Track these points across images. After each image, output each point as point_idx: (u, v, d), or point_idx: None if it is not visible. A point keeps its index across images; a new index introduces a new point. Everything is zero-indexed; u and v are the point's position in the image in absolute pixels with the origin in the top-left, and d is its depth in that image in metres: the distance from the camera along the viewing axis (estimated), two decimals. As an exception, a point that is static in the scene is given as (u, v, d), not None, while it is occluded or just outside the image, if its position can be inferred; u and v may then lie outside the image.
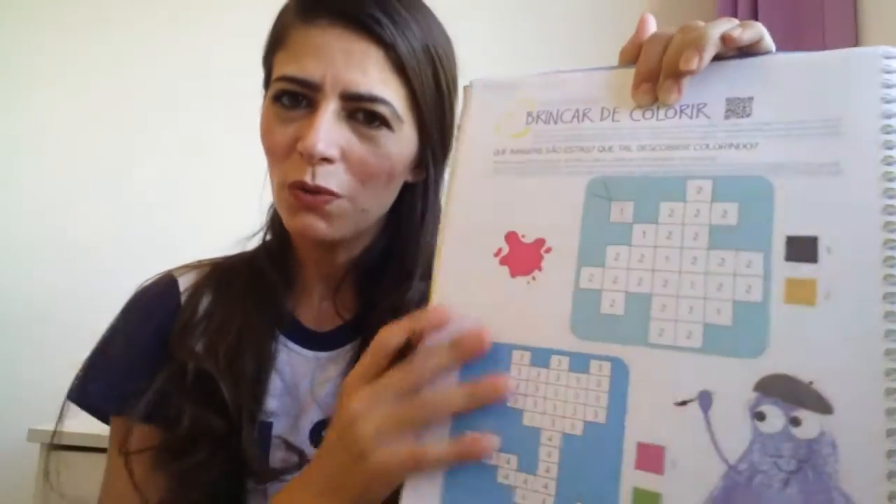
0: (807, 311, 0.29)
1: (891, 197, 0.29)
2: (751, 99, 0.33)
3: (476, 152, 0.40)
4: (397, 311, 0.51)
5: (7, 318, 1.49)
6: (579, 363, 0.33)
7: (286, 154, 0.54)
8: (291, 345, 0.59)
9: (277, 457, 0.56)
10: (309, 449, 0.57)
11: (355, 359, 0.55)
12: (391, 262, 0.60)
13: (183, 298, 0.60)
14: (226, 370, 0.54)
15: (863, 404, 0.27)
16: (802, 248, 0.30)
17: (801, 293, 0.29)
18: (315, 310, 0.62)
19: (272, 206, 0.62)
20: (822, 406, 0.28)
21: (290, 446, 0.55)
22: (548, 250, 0.36)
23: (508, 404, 0.34)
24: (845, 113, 0.31)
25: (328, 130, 0.52)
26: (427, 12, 0.59)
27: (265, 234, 0.64)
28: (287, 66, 0.54)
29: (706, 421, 0.30)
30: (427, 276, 0.43)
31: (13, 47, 1.56)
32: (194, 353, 0.56)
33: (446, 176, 0.49)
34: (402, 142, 0.56)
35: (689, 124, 0.34)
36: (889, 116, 0.30)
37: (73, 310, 1.41)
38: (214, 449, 0.53)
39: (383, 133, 0.54)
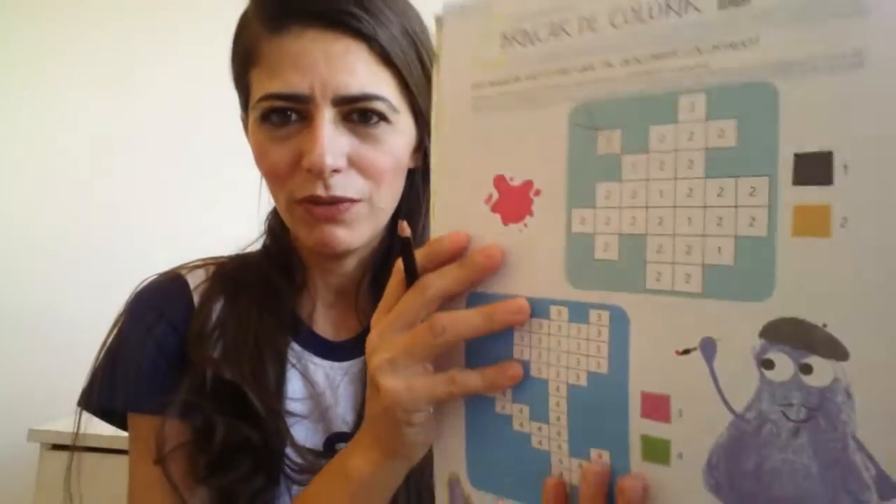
0: (820, 244, 0.25)
1: (926, 90, 0.23)
2: None
3: (454, 88, 0.36)
4: None
5: (7, 318, 1.48)
6: (578, 313, 0.32)
7: (290, 172, 0.52)
8: (307, 354, 0.58)
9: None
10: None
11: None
12: (394, 257, 0.58)
13: (195, 297, 0.59)
14: (250, 378, 0.53)
15: (884, 347, 0.24)
16: (814, 168, 0.25)
17: (812, 223, 0.25)
18: (326, 318, 0.61)
19: (270, 212, 0.62)
20: (836, 351, 0.25)
21: (311, 453, 0.54)
22: (537, 193, 0.33)
23: (515, 356, 0.34)
24: None
25: (331, 141, 0.50)
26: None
27: (265, 241, 0.62)
28: (268, 84, 0.51)
29: (710, 370, 0.28)
30: None
31: (11, 45, 1.56)
32: (216, 360, 0.55)
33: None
34: (401, 132, 0.54)
35: (676, 24, 0.29)
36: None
37: (74, 310, 1.42)
38: (255, 461, 0.52)
39: (382, 129, 0.52)
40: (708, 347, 0.28)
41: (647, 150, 0.29)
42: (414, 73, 0.55)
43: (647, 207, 0.29)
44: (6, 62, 1.57)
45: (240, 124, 0.60)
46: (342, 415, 0.57)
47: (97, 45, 1.58)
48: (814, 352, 0.25)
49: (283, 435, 0.53)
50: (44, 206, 1.54)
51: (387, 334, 0.36)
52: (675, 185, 0.29)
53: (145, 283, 0.61)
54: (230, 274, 0.60)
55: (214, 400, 0.53)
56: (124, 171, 1.54)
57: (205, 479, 0.53)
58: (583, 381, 0.32)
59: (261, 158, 0.54)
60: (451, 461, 0.37)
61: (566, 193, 0.32)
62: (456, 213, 0.36)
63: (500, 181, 0.35)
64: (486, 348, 0.35)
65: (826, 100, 0.25)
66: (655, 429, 0.29)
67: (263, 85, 0.52)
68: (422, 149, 0.58)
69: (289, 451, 0.54)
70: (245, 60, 0.55)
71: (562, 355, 0.32)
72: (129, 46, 1.57)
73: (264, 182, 0.58)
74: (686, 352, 0.28)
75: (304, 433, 0.56)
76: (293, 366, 0.57)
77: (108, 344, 0.59)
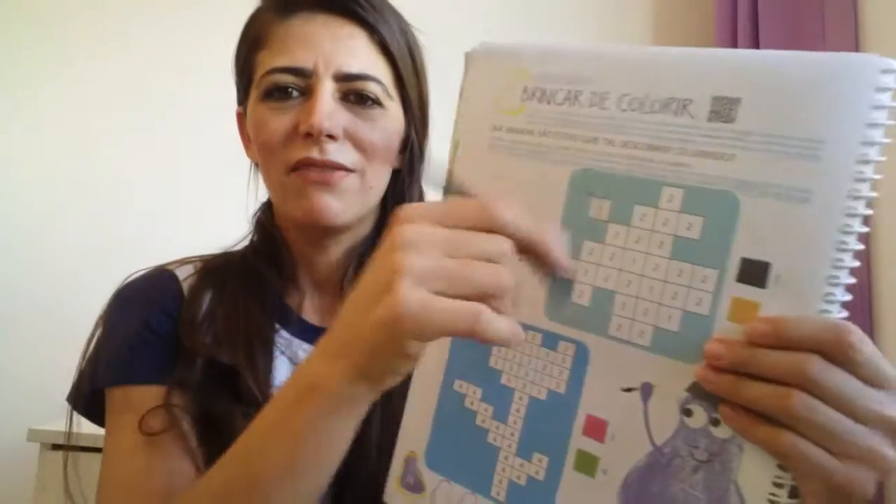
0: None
1: (846, 233, 0.30)
2: (738, 101, 0.32)
3: (476, 125, 0.41)
4: None
5: (7, 318, 1.48)
6: (550, 341, 0.38)
7: (286, 141, 0.54)
8: (296, 341, 0.59)
9: None
10: None
11: None
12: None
13: (185, 286, 0.59)
14: (245, 362, 0.54)
15: None
16: (754, 272, 0.32)
17: (744, 313, 0.32)
18: (315, 308, 0.62)
19: (256, 212, 0.64)
20: (739, 414, 0.32)
21: None
22: (532, 234, 0.39)
23: (490, 364, 0.41)
24: (829, 135, 0.30)
25: (330, 109, 0.53)
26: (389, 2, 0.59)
27: (252, 238, 0.64)
28: (275, 60, 0.54)
29: (644, 408, 0.35)
30: None
31: (6, 49, 1.53)
32: (209, 346, 0.55)
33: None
34: (393, 118, 0.58)
35: (672, 123, 0.34)
36: (868, 144, 0.29)
37: (74, 310, 1.31)
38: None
39: (377, 111, 0.56)
40: (646, 390, 0.35)
41: (629, 224, 0.35)
42: (407, 66, 0.59)
43: (620, 270, 0.36)
44: (32, 60, 1.55)
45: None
46: None
47: (115, 45, 1.56)
48: (723, 411, 0.33)
49: None
50: (44, 207, 1.53)
51: (426, 243, 0.30)
52: (646, 259, 0.35)
53: (130, 277, 0.61)
54: (216, 268, 0.61)
55: (212, 385, 0.54)
56: (128, 175, 1.54)
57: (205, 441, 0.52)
58: (542, 396, 0.39)
59: (258, 132, 0.56)
60: (413, 440, 0.43)
61: None
62: None
63: None
64: (466, 355, 0.41)
65: (775, 221, 0.31)
66: (590, 446, 0.36)
67: (270, 62, 0.55)
68: (408, 147, 0.60)
69: None
70: (253, 45, 0.58)
71: (530, 371, 0.39)
72: (145, 45, 1.56)
73: (256, 173, 0.60)
74: (629, 390, 0.35)
75: None
76: (282, 353, 0.58)
77: (94, 336, 0.58)
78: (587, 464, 0.36)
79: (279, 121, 0.55)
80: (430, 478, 0.43)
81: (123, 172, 1.54)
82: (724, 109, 0.33)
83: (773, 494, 0.31)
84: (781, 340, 0.29)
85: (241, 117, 0.64)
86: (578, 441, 0.37)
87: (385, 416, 0.50)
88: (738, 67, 0.32)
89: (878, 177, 0.30)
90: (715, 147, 0.33)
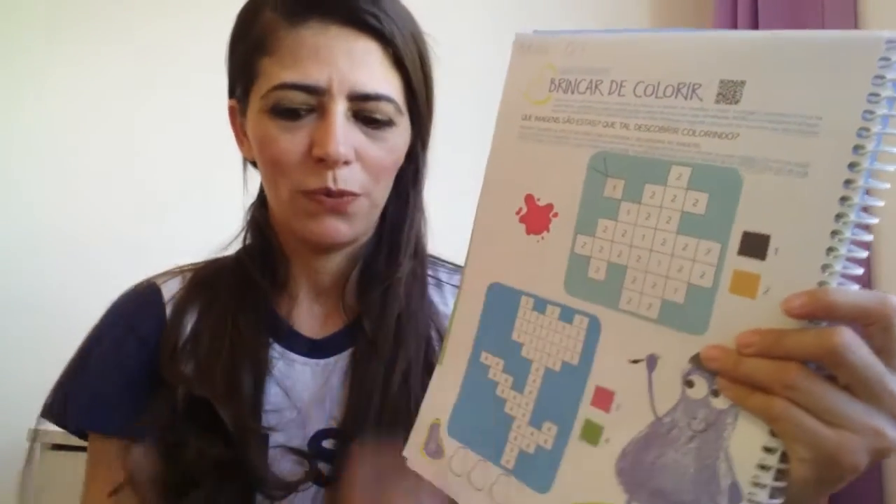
0: (746, 302, 0.32)
1: (846, 204, 0.30)
2: (743, 83, 0.34)
3: (508, 115, 0.45)
4: (388, 289, 0.55)
5: (7, 318, 1.47)
6: (567, 315, 0.40)
7: (298, 162, 0.52)
8: (291, 355, 0.57)
9: (280, 469, 0.54)
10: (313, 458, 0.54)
11: (354, 364, 0.56)
12: (381, 251, 0.59)
13: (168, 309, 0.57)
14: (223, 393, 0.52)
15: None
16: (755, 245, 0.32)
17: (744, 285, 0.33)
18: (309, 315, 0.60)
19: (250, 208, 0.62)
20: (738, 384, 0.32)
21: (296, 453, 0.54)
22: (555, 215, 0.42)
23: (513, 337, 0.43)
24: (827, 111, 0.31)
25: (344, 132, 0.51)
26: (403, 6, 0.56)
27: (245, 238, 0.61)
28: (284, 73, 0.51)
29: (649, 379, 0.36)
30: (415, 255, 0.47)
31: (10, 44, 1.54)
32: (188, 378, 0.53)
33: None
34: (402, 133, 0.56)
35: (682, 106, 0.36)
36: (868, 117, 0.29)
37: (75, 310, 1.30)
38: (221, 477, 0.51)
39: (388, 130, 0.54)
40: (651, 362, 0.36)
41: (640, 202, 0.37)
42: (419, 78, 0.57)
43: (631, 246, 0.37)
44: (31, 61, 1.54)
45: None
46: (329, 410, 0.57)
47: (121, 43, 1.56)
48: (723, 382, 0.33)
49: (258, 454, 0.52)
50: (44, 207, 1.52)
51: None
52: (654, 234, 0.36)
53: (122, 295, 0.60)
54: (205, 280, 0.59)
55: (189, 416, 0.52)
56: (128, 171, 1.53)
57: (168, 500, 0.51)
58: (557, 367, 0.40)
59: (265, 147, 0.53)
60: (440, 408, 0.46)
61: (576, 221, 0.40)
62: (493, 216, 0.45)
63: (529, 199, 0.43)
64: (493, 329, 0.44)
65: (774, 195, 0.32)
66: (597, 416, 0.38)
67: (278, 74, 0.52)
68: (413, 155, 0.59)
69: (263, 466, 0.52)
70: (256, 46, 0.54)
71: (547, 344, 0.41)
72: (150, 44, 1.56)
73: (247, 168, 0.59)
74: (636, 361, 0.37)
75: (291, 433, 0.55)
76: (276, 367, 0.56)
77: (76, 356, 0.58)
78: (592, 433, 0.38)
79: (290, 140, 0.52)
80: (449, 445, 0.45)
81: (128, 168, 1.52)
82: (729, 92, 0.34)
83: (763, 459, 0.31)
84: (818, 315, 0.29)
85: (235, 112, 0.60)
86: (586, 411, 0.38)
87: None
88: (744, 50, 0.34)
89: (889, 149, 0.30)
90: (721, 127, 0.34)
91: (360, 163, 0.54)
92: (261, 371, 0.55)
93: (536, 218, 0.43)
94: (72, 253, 1.50)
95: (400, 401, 0.55)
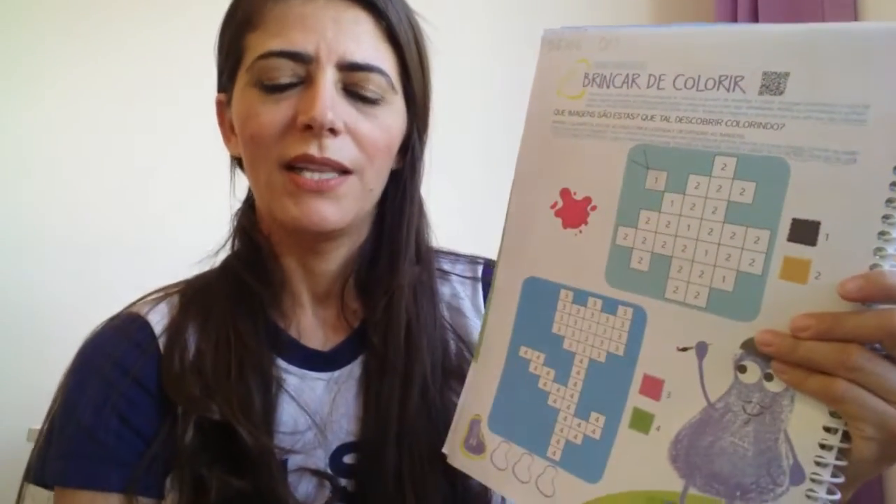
0: (797, 288, 0.33)
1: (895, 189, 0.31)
2: (787, 75, 0.34)
3: (540, 110, 0.45)
4: (392, 298, 0.52)
5: (7, 318, 1.45)
6: (610, 306, 0.41)
7: (281, 134, 0.49)
8: (300, 371, 0.54)
9: (302, 492, 0.51)
10: (335, 476, 0.52)
11: (366, 377, 0.53)
12: (382, 255, 0.57)
13: (161, 342, 0.52)
14: (239, 411, 0.49)
15: None
16: (804, 231, 0.33)
17: (795, 271, 0.34)
18: (312, 325, 0.57)
19: (237, 213, 0.58)
20: (792, 367, 0.33)
21: (318, 475, 0.52)
22: (593, 208, 0.42)
23: (553, 331, 0.44)
24: (875, 99, 0.32)
25: (333, 100, 0.48)
26: None
27: (232, 245, 0.58)
28: (270, 42, 0.48)
29: (699, 366, 0.37)
30: (416, 259, 0.46)
31: (17, 49, 1.51)
32: (200, 399, 0.49)
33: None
34: (396, 113, 0.53)
35: (724, 98, 0.37)
36: (917, 104, 0.31)
37: (75, 310, 1.32)
38: None
39: (380, 107, 0.51)
40: (701, 349, 0.37)
41: (684, 193, 0.38)
42: (413, 58, 0.54)
43: (676, 236, 0.38)
44: (34, 64, 1.52)
45: None
46: (346, 425, 0.54)
47: (122, 45, 1.54)
48: (777, 365, 0.34)
49: (280, 481, 0.49)
50: (44, 208, 1.51)
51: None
52: (700, 224, 0.37)
53: (100, 330, 0.54)
54: (195, 297, 0.55)
55: (201, 447, 0.49)
56: (129, 175, 1.52)
57: None
58: (602, 358, 0.41)
59: (247, 121, 0.50)
60: (479, 404, 0.46)
61: (616, 213, 0.41)
62: (527, 211, 0.45)
63: (565, 193, 0.43)
64: (531, 323, 0.44)
65: (823, 183, 0.33)
66: (646, 404, 0.38)
67: (263, 44, 0.49)
68: (409, 147, 0.56)
69: (285, 492, 0.50)
70: (242, 25, 0.51)
71: (590, 336, 0.42)
72: (149, 47, 1.55)
73: (235, 170, 0.55)
74: (684, 349, 0.37)
75: (307, 453, 0.53)
76: (287, 384, 0.53)
77: (59, 407, 0.52)
78: (642, 421, 0.38)
79: (273, 111, 0.49)
80: (491, 440, 0.45)
81: (128, 169, 1.51)
82: (773, 83, 0.35)
83: (825, 439, 0.32)
84: (876, 297, 0.30)
85: (223, 106, 0.57)
86: (635, 399, 0.39)
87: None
88: (786, 43, 0.35)
89: None
90: (765, 118, 0.35)
91: (351, 137, 0.50)
92: (271, 387, 0.52)
93: (574, 212, 0.43)
94: (72, 254, 1.48)
95: (420, 411, 0.54)
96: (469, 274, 0.64)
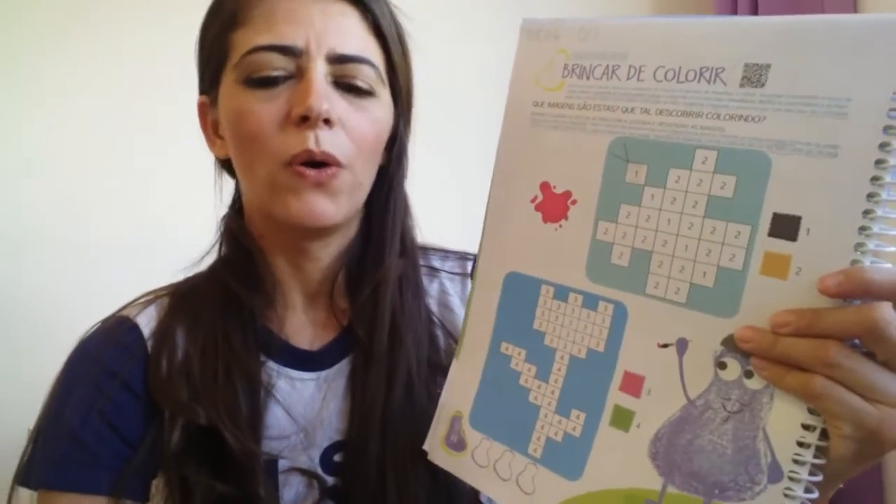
0: (777, 284, 0.33)
1: (877, 184, 0.30)
2: (768, 66, 0.34)
3: (519, 102, 0.44)
4: (376, 289, 0.53)
5: (7, 318, 1.45)
6: (590, 302, 0.40)
7: (276, 131, 0.49)
8: (290, 371, 0.54)
9: (292, 492, 0.52)
10: (323, 475, 0.53)
11: (355, 373, 0.54)
12: (368, 251, 0.57)
13: (150, 345, 0.53)
14: (225, 415, 0.49)
15: None
16: (785, 226, 0.33)
17: (776, 267, 0.33)
18: (302, 325, 0.57)
19: (224, 218, 0.58)
20: (772, 364, 0.33)
21: (307, 474, 0.52)
22: (574, 202, 0.41)
23: (534, 327, 0.43)
24: (856, 92, 0.31)
25: (326, 90, 0.49)
26: None
27: (220, 250, 0.58)
28: (258, 37, 0.49)
29: (679, 363, 0.36)
30: (401, 253, 0.46)
31: (17, 49, 1.50)
32: (187, 404, 0.49)
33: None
34: (384, 107, 0.54)
35: (705, 90, 0.36)
36: (898, 98, 0.30)
37: (75, 310, 1.30)
38: None
39: (369, 99, 0.52)
40: (682, 345, 0.36)
41: (665, 187, 0.37)
42: (398, 51, 0.55)
43: (656, 231, 0.37)
44: (34, 64, 1.51)
45: None
46: (335, 423, 0.55)
47: (122, 45, 1.53)
48: (757, 362, 0.34)
49: (266, 486, 0.50)
50: (45, 208, 1.51)
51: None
52: (681, 219, 0.36)
53: (89, 335, 0.55)
54: (185, 301, 0.56)
55: (188, 451, 0.49)
56: (130, 176, 1.52)
57: None
58: (582, 355, 0.40)
59: (240, 120, 0.50)
60: (460, 400, 0.46)
61: (596, 207, 0.40)
62: (507, 205, 0.45)
63: (545, 187, 0.43)
64: (512, 319, 0.44)
65: (804, 176, 0.32)
66: (626, 401, 0.38)
67: (251, 40, 0.49)
68: (395, 142, 0.56)
69: (271, 495, 0.50)
70: (227, 24, 0.51)
71: (571, 332, 0.41)
72: (149, 47, 1.53)
73: (221, 173, 0.56)
74: (665, 346, 0.37)
75: (296, 454, 0.53)
76: (277, 386, 0.53)
77: (47, 411, 0.53)
78: (622, 418, 0.38)
79: (266, 108, 0.49)
80: (472, 436, 0.45)
81: (128, 169, 1.51)
82: (754, 75, 0.34)
83: (803, 437, 0.32)
84: (856, 293, 0.30)
85: (205, 108, 0.57)
86: (615, 397, 0.38)
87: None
88: (768, 34, 0.34)
89: None
90: (746, 110, 0.34)
91: (344, 129, 0.51)
92: (259, 390, 0.52)
93: (553, 206, 0.42)
94: (72, 254, 1.48)
95: (404, 406, 0.54)
96: (458, 270, 0.65)
